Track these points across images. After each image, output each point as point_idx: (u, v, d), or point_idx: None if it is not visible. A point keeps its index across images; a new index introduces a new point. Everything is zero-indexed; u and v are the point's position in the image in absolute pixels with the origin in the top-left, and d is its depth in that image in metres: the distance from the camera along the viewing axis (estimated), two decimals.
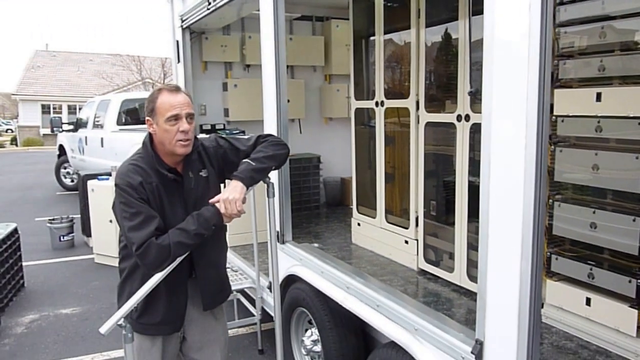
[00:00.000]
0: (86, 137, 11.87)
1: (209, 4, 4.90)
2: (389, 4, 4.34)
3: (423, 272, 4.02)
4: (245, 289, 4.60)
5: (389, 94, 4.37)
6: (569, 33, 3.08)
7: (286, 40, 3.86)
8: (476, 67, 3.43)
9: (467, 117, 3.50)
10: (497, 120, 1.95)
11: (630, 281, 2.79)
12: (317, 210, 6.51)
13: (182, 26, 5.96)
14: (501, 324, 2.01)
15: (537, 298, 1.90)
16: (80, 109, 19.03)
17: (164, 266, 2.34)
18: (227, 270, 2.99)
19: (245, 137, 2.84)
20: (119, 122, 11.04)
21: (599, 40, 2.91)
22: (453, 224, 3.73)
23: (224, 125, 6.58)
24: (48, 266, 7.35)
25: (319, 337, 3.57)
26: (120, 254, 2.63)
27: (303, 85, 6.76)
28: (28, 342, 4.99)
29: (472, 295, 3.52)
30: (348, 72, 5.23)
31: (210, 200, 2.45)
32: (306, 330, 3.87)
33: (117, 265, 7.10)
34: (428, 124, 3.92)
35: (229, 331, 3.04)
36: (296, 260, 3.75)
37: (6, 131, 41.96)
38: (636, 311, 2.76)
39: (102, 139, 11.04)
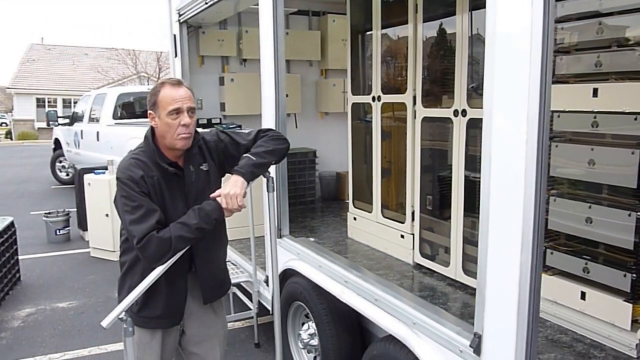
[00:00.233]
0: (82, 131, 11.84)
1: None
2: None
3: (419, 266, 4.04)
4: (242, 283, 4.62)
5: (386, 89, 4.38)
6: (566, 29, 3.10)
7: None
8: (474, 63, 3.46)
9: (464, 112, 3.52)
10: (498, 115, 1.96)
11: (625, 275, 2.82)
12: (312, 204, 6.52)
13: (179, 20, 5.96)
14: (500, 317, 2.03)
15: (537, 292, 1.92)
16: (75, 102, 18.97)
17: (164, 260, 2.35)
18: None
19: (246, 131, 2.85)
20: (114, 116, 11.00)
21: (596, 36, 2.93)
22: (449, 218, 3.75)
23: (220, 119, 6.59)
24: (44, 260, 7.35)
25: (316, 331, 3.60)
26: (121, 248, 2.64)
27: (299, 80, 6.77)
28: (25, 335, 4.99)
29: (467, 289, 3.55)
30: (344, 67, 5.24)
31: (211, 195, 2.46)
32: (303, 324, 3.89)
33: (113, 259, 7.15)
34: (425, 119, 3.94)
35: None
36: (293, 255, 3.76)
37: (0, 125, 41.78)
38: (631, 305, 2.79)
39: (97, 132, 11.00)
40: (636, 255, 2.78)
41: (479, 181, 2.12)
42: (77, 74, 34.84)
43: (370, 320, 2.99)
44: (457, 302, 3.41)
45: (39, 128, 31.64)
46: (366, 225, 4.65)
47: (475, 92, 3.38)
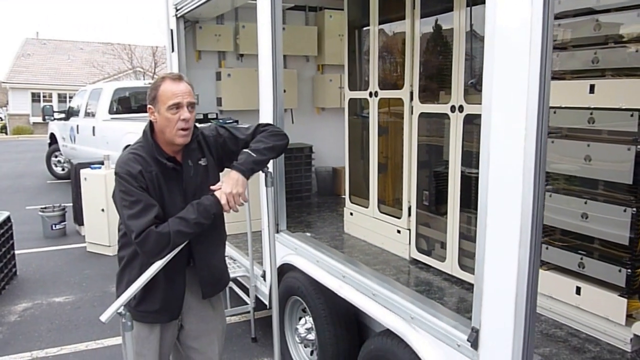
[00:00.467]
0: (78, 126, 11.81)
1: None
2: None
3: (415, 262, 4.06)
4: (238, 278, 4.63)
5: (383, 85, 4.39)
6: (563, 25, 3.12)
7: None
8: (471, 58, 3.47)
9: (461, 108, 3.53)
10: (497, 112, 1.97)
11: (620, 270, 2.84)
12: (308, 199, 6.54)
13: (176, 15, 5.94)
14: (497, 312, 2.04)
15: (534, 287, 1.93)
16: (70, 97, 18.94)
17: (163, 254, 2.36)
18: None
19: (245, 126, 2.85)
20: (110, 111, 10.98)
21: (593, 32, 2.95)
22: (445, 214, 3.77)
23: (217, 114, 6.58)
24: (40, 255, 7.34)
25: (313, 326, 3.61)
26: (119, 243, 2.64)
27: (296, 75, 6.77)
28: (22, 330, 4.99)
29: (463, 284, 3.57)
30: (341, 63, 5.24)
31: (212, 187, 2.47)
32: (300, 318, 3.90)
33: (109, 254, 7.14)
34: (422, 115, 3.95)
35: None
36: (291, 249, 3.77)
37: None
38: (625, 300, 2.82)
39: (93, 127, 10.98)
40: (631, 251, 2.80)
41: (476, 177, 2.14)
42: (72, 69, 34.70)
43: (368, 315, 3.01)
44: (453, 297, 3.43)
45: (34, 123, 31.54)
46: (363, 221, 4.66)
47: (474, 88, 3.39)
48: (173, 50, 6.14)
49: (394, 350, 2.74)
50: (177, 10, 5.84)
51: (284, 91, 3.94)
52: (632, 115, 2.72)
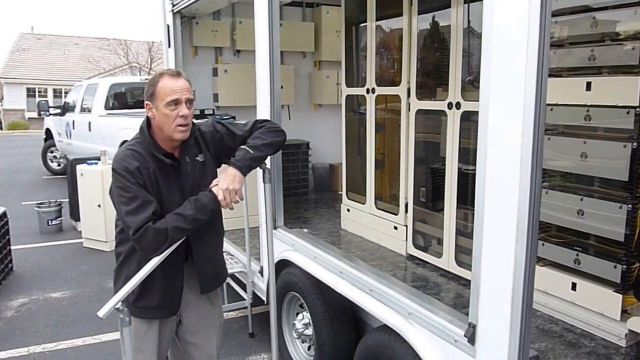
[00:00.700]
0: (74, 121, 11.78)
1: None
2: None
3: (412, 258, 4.08)
4: (236, 274, 4.64)
5: (380, 81, 4.40)
6: (560, 23, 3.13)
7: None
8: (468, 55, 3.48)
9: (458, 105, 3.54)
10: (494, 109, 1.98)
11: (615, 267, 2.87)
12: (305, 196, 6.55)
13: (172, 10, 5.93)
14: (494, 308, 2.06)
15: (530, 283, 1.95)
16: (66, 93, 18.83)
17: (161, 250, 2.36)
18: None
19: (242, 122, 2.85)
20: (106, 107, 10.95)
21: (590, 30, 2.96)
22: (442, 210, 3.78)
23: (213, 110, 6.57)
24: (36, 250, 7.33)
25: (311, 321, 3.63)
26: (116, 239, 2.64)
27: (293, 72, 6.77)
28: (18, 325, 4.99)
29: (459, 280, 3.59)
30: (338, 59, 5.25)
31: (211, 186, 2.48)
32: (297, 314, 3.92)
33: (105, 249, 7.12)
34: (419, 112, 3.96)
35: None
36: (288, 245, 3.78)
37: None
38: (621, 296, 2.84)
39: (89, 123, 10.96)
40: (626, 247, 2.83)
41: (472, 173, 2.15)
42: (68, 64, 34.53)
43: (365, 310, 3.02)
44: (450, 292, 3.45)
45: (29, 118, 31.42)
46: (359, 217, 4.68)
47: (472, 85, 3.40)
48: (170, 46, 6.13)
49: (391, 345, 2.76)
50: (173, 5, 5.84)
51: (281, 87, 3.95)
52: (628, 113, 2.74)
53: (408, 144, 4.06)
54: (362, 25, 4.68)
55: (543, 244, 3.23)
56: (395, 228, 4.23)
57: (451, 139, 3.62)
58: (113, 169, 2.45)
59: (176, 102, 2.42)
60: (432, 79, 3.94)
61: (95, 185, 7.10)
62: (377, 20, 4.39)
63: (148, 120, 2.53)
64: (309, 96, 7.05)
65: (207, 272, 2.67)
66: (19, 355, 4.43)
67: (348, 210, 4.85)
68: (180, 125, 2.44)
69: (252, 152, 2.56)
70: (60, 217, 8.29)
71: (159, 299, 2.57)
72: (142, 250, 2.37)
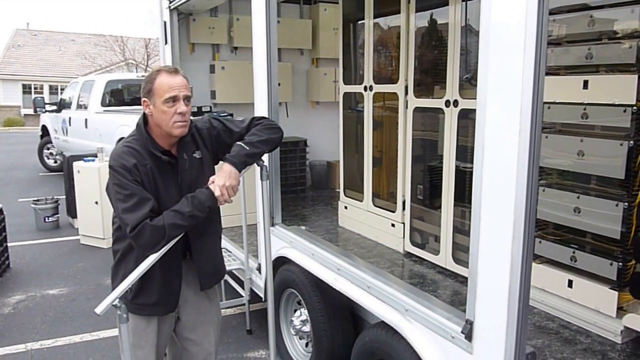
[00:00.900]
0: (70, 118, 11.76)
1: None
2: None
3: (409, 255, 4.09)
4: (233, 270, 4.65)
5: (378, 79, 4.41)
6: (557, 21, 3.14)
7: None
8: (466, 53, 3.49)
9: (456, 103, 3.55)
10: (491, 107, 1.99)
11: (611, 264, 2.89)
12: (303, 193, 6.55)
13: (169, 7, 5.92)
14: (491, 305, 2.07)
15: (527, 280, 1.96)
16: (62, 89, 18.81)
17: (158, 247, 2.36)
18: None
19: (239, 119, 2.85)
20: (103, 103, 10.93)
21: (587, 28, 2.98)
22: (439, 207, 3.80)
23: (211, 107, 6.57)
24: (33, 247, 7.32)
25: (308, 318, 3.64)
26: (113, 236, 2.64)
27: (290, 69, 6.77)
28: (15, 322, 4.99)
29: (457, 277, 3.60)
30: (335, 56, 5.25)
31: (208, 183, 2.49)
32: (295, 310, 3.93)
33: (103, 246, 7.10)
34: (416, 109, 3.97)
35: None
36: (286, 243, 3.79)
37: None
38: (616, 293, 2.86)
39: (86, 120, 10.93)
40: (622, 245, 2.85)
41: (470, 171, 2.16)
42: (63, 60, 34.43)
43: (363, 307, 3.03)
44: (447, 289, 3.46)
45: (25, 115, 31.31)
46: (357, 214, 4.69)
47: (469, 83, 3.41)
48: (166, 43, 6.12)
49: (389, 341, 2.77)
50: (170, 2, 5.82)
51: (279, 84, 3.95)
52: (624, 111, 2.75)
53: (405, 141, 4.07)
54: (359, 22, 4.68)
55: (540, 242, 3.25)
56: (393, 225, 4.24)
57: (449, 136, 3.63)
58: (110, 166, 2.44)
59: (174, 99, 2.42)
60: (430, 77, 3.95)
61: (92, 182, 7.09)
62: (374, 17, 4.39)
63: (145, 117, 2.53)
64: (307, 93, 7.05)
65: (205, 269, 2.68)
66: (16, 352, 4.44)
67: (345, 207, 4.87)
68: (178, 122, 2.43)
69: (247, 148, 2.56)
70: (57, 214, 8.27)
71: (157, 296, 2.57)
72: (140, 247, 2.37)
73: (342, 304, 3.50)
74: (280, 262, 3.88)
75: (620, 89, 2.78)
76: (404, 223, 4.15)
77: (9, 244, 6.59)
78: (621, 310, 2.89)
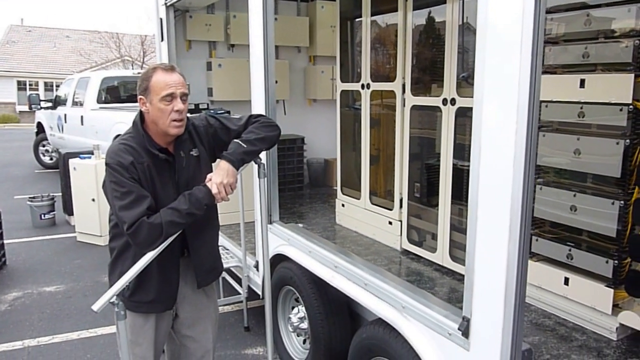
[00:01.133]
0: (65, 115, 11.72)
1: None
2: None
3: (406, 252, 4.11)
4: (231, 268, 4.65)
5: (375, 77, 4.41)
6: (555, 20, 3.16)
7: None
8: (464, 52, 3.50)
9: (453, 101, 3.57)
10: (488, 105, 2.00)
11: (607, 262, 2.91)
12: (300, 191, 6.57)
13: (166, 4, 5.91)
14: (488, 302, 2.09)
15: (523, 278, 1.98)
16: (57, 86, 18.73)
17: (155, 245, 2.36)
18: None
19: (236, 116, 2.85)
20: (99, 100, 10.90)
21: (584, 27, 2.99)
22: (436, 205, 3.81)
23: (208, 105, 6.57)
24: (29, 244, 7.31)
25: (306, 315, 3.65)
26: (110, 233, 2.64)
27: (287, 66, 6.77)
28: (12, 319, 4.99)
29: (454, 274, 3.62)
30: (332, 54, 5.25)
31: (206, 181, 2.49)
32: (293, 307, 3.94)
33: (100, 244, 7.09)
34: (414, 107, 3.98)
35: None
36: (283, 240, 3.80)
37: None
38: (612, 290, 2.89)
39: (82, 117, 10.90)
40: (618, 243, 2.87)
41: (467, 169, 2.17)
42: (58, 57, 34.26)
43: (360, 304, 3.05)
44: (444, 287, 3.48)
45: (20, 111, 31.19)
46: (354, 212, 4.70)
47: (466, 82, 3.42)
48: (162, 40, 6.10)
49: (386, 338, 2.78)
50: None
51: (276, 82, 3.95)
52: (621, 110, 2.77)
53: (403, 139, 4.08)
54: (357, 20, 4.68)
55: (537, 240, 3.27)
56: (390, 223, 4.26)
57: (446, 135, 3.64)
58: (107, 164, 2.43)
59: (171, 97, 2.41)
60: (427, 75, 3.96)
61: (88, 179, 7.08)
62: (372, 15, 4.40)
63: (141, 115, 2.52)
64: (304, 91, 7.06)
65: (203, 266, 2.69)
66: (13, 349, 4.44)
67: (343, 205, 4.88)
68: (175, 120, 2.43)
69: (245, 146, 2.56)
70: (53, 211, 8.26)
71: (155, 294, 2.57)
72: (137, 245, 2.37)
73: (339, 301, 3.51)
74: (278, 260, 3.90)
75: (616, 87, 2.79)
76: (401, 221, 4.17)
77: (5, 241, 6.57)
78: (617, 308, 2.91)
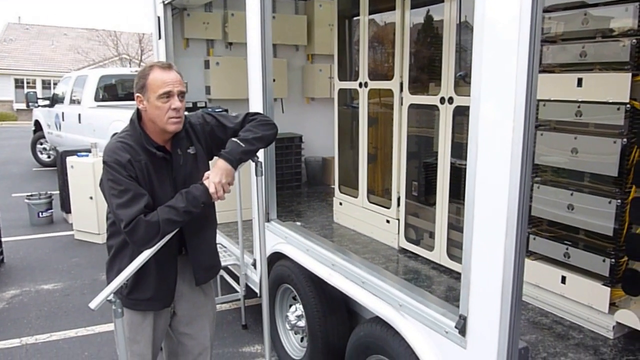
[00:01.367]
0: (63, 113, 11.71)
1: None
2: None
3: (404, 251, 4.12)
4: (229, 266, 4.66)
5: (373, 75, 4.42)
6: (552, 18, 3.16)
7: None
8: (461, 50, 3.50)
9: (451, 100, 3.57)
10: (485, 104, 2.00)
11: (604, 260, 2.91)
12: (298, 189, 6.57)
13: (163, 2, 5.90)
14: (484, 300, 2.09)
15: (520, 276, 1.98)
16: (55, 84, 18.70)
17: (153, 243, 2.36)
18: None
19: (233, 114, 2.85)
20: (96, 98, 10.88)
21: (581, 26, 2.99)
22: (434, 204, 3.82)
23: (206, 103, 6.57)
24: (27, 242, 7.30)
25: (304, 313, 3.65)
26: (107, 231, 2.64)
27: (285, 65, 6.78)
28: (10, 317, 4.99)
29: (451, 273, 3.63)
30: (330, 52, 5.25)
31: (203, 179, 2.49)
32: (290, 306, 3.95)
33: (97, 242, 7.08)
34: (411, 106, 3.98)
35: None
36: (281, 238, 3.81)
37: None
38: (609, 289, 2.89)
39: (79, 115, 10.89)
40: (615, 241, 2.88)
41: (465, 168, 2.17)
42: (56, 55, 34.20)
43: (358, 302, 3.05)
44: (441, 285, 3.48)
45: (17, 109, 31.14)
46: (352, 210, 4.70)
47: (463, 81, 3.43)
48: (160, 38, 6.10)
49: (383, 336, 2.79)
50: None
51: (274, 80, 3.95)
52: (618, 109, 2.78)
53: (400, 138, 4.08)
54: (355, 18, 4.69)
55: (534, 238, 3.28)
56: (388, 221, 4.26)
57: (444, 133, 3.65)
58: (104, 162, 2.43)
59: (168, 95, 2.41)
60: (425, 74, 3.96)
61: (86, 177, 7.07)
62: (370, 14, 4.40)
63: (139, 113, 2.52)
64: (302, 90, 7.07)
65: (201, 264, 2.69)
66: (11, 347, 4.43)
67: (340, 203, 4.88)
68: (172, 118, 2.43)
69: (242, 145, 2.56)
70: (51, 209, 8.25)
71: (153, 291, 2.57)
72: (134, 243, 2.37)
73: (337, 300, 3.52)
74: (276, 258, 3.90)
75: (614, 87, 2.80)
76: (398, 219, 4.17)
77: (2, 239, 6.56)
78: (613, 306, 2.92)
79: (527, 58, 1.84)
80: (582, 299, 3.01)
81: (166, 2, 5.85)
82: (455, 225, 3.64)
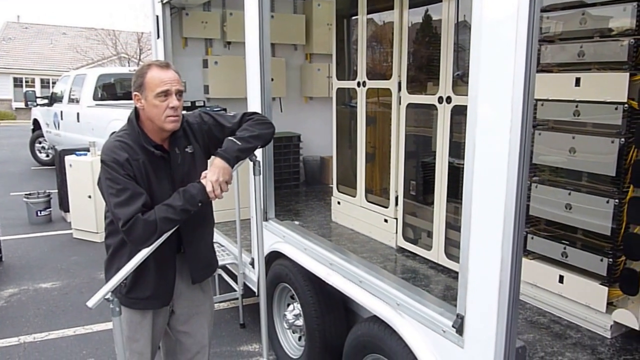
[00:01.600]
0: (62, 112, 11.70)
1: None
2: None
3: (402, 250, 4.11)
4: (227, 265, 4.66)
5: (371, 75, 4.41)
6: (551, 18, 3.16)
7: None
8: (459, 50, 3.51)
9: (449, 99, 3.57)
10: (482, 103, 2.01)
11: (601, 260, 2.91)
12: (296, 188, 6.57)
13: (162, 1, 5.90)
14: (482, 299, 2.09)
15: (517, 275, 1.98)
16: (53, 83, 18.68)
17: (150, 242, 2.36)
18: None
19: (230, 114, 2.85)
20: (95, 97, 10.88)
21: (579, 26, 3.00)
22: (432, 203, 3.82)
23: (204, 102, 6.57)
24: (25, 241, 7.31)
25: (301, 312, 3.66)
26: (106, 230, 2.64)
27: (284, 64, 6.77)
28: (9, 315, 4.99)
29: (449, 272, 3.63)
30: (329, 52, 5.25)
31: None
32: (288, 305, 3.95)
33: (96, 240, 7.09)
34: (409, 105, 3.98)
35: None
36: (279, 237, 3.81)
37: None
38: (606, 288, 2.89)
39: (78, 114, 10.89)
40: (613, 241, 2.88)
41: (463, 167, 2.17)
42: (55, 54, 34.16)
43: (356, 301, 3.05)
44: (439, 284, 3.49)
45: (16, 108, 31.10)
46: (350, 210, 4.70)
47: (461, 80, 3.43)
48: (159, 37, 6.10)
49: (381, 335, 2.79)
50: None
51: (272, 80, 3.95)
52: (616, 109, 2.78)
53: (399, 137, 4.08)
54: (353, 18, 4.68)
55: (532, 238, 3.28)
56: (386, 221, 4.26)
57: (442, 133, 3.64)
58: (102, 161, 2.43)
59: (166, 93, 2.41)
60: (423, 73, 3.96)
61: (85, 176, 7.07)
62: (368, 13, 4.40)
63: (136, 111, 2.52)
64: (300, 89, 7.06)
65: (198, 263, 2.69)
66: (9, 345, 4.44)
67: (339, 203, 4.88)
68: (170, 116, 2.43)
69: (239, 143, 2.56)
70: (49, 208, 8.25)
71: (151, 290, 2.58)
72: (132, 241, 2.37)
73: (335, 299, 3.52)
74: (274, 257, 3.90)
75: (611, 86, 2.80)
76: (396, 218, 4.17)
77: (1, 238, 6.57)
78: (611, 306, 2.92)
79: (525, 57, 1.85)
80: (580, 299, 3.01)
81: (165, 1, 5.86)
82: (453, 224, 3.64)
